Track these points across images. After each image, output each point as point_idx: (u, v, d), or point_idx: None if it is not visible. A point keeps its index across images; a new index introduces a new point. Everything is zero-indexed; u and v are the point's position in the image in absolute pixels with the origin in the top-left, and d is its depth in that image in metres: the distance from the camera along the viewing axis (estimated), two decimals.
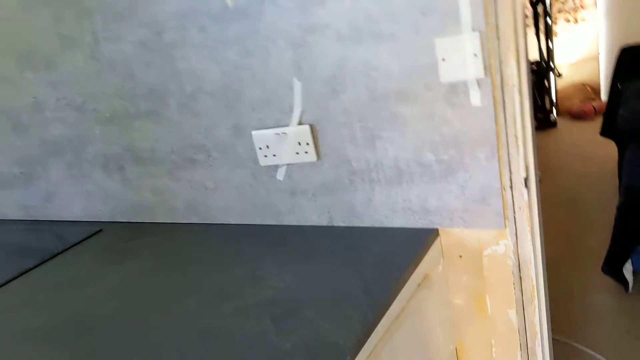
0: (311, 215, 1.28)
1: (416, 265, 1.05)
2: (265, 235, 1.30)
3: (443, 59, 1.00)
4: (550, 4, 4.89)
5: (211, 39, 1.21)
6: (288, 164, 1.25)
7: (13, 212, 1.76)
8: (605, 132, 3.54)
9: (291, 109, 1.20)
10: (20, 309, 1.17)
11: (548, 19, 4.77)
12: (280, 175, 1.27)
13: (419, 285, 1.06)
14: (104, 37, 1.34)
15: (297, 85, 1.17)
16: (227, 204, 1.38)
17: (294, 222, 1.31)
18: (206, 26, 1.21)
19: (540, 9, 4.58)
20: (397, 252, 1.09)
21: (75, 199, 1.61)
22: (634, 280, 2.16)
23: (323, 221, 1.27)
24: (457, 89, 1.02)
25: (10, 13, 1.45)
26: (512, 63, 0.98)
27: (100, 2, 1.30)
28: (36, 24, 1.42)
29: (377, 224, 1.21)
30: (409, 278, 1.02)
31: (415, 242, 1.11)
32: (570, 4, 4.88)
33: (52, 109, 1.51)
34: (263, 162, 1.27)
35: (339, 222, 1.26)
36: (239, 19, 1.17)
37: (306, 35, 1.12)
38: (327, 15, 1.08)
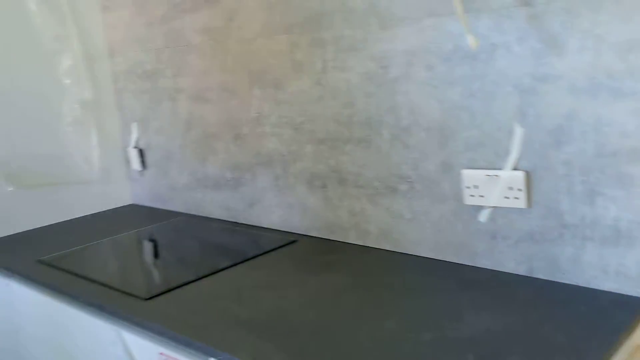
0: (509, 262, 1.27)
1: (629, 333, 1.00)
2: (457, 274, 1.31)
3: None
4: None
5: (436, 78, 1.27)
6: (494, 207, 1.25)
7: (218, 212, 1.96)
8: None
9: (507, 154, 1.21)
10: (226, 301, 1.29)
11: None
12: (484, 217, 1.28)
13: (630, 354, 1.00)
14: (332, 66, 1.47)
15: (519, 131, 1.18)
16: (421, 236, 1.41)
17: (488, 266, 1.31)
18: (433, 65, 1.27)
19: None
20: (607, 316, 1.04)
21: (276, 209, 1.75)
22: None
23: (520, 270, 1.25)
24: None
25: (252, 36, 1.65)
26: None
27: (335, 34, 1.43)
28: (273, 48, 1.60)
29: (582, 283, 1.17)
30: (622, 344, 0.97)
31: (627, 309, 1.05)
32: None
33: (273, 124, 1.67)
34: (468, 201, 1.29)
35: (539, 274, 1.23)
36: (468, 61, 1.21)
37: (536, 84, 1.13)
38: (563, 67, 1.09)
